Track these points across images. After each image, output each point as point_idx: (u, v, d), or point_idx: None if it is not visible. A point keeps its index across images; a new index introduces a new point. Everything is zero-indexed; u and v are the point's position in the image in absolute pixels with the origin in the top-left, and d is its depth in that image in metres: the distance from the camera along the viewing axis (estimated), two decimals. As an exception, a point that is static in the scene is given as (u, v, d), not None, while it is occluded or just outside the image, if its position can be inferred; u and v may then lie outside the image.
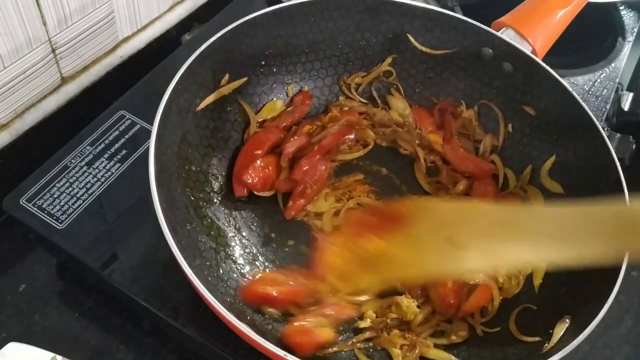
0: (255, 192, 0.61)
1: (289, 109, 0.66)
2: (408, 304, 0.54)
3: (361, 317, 0.55)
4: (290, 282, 0.53)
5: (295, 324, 0.52)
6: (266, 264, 0.58)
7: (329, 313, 0.52)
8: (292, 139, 0.63)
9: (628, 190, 0.54)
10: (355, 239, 0.45)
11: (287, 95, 0.67)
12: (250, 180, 0.60)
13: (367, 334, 0.54)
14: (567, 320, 0.50)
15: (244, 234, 0.59)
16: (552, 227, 0.41)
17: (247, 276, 0.56)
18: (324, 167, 0.62)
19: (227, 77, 0.61)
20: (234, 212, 0.60)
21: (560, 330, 0.50)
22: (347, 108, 0.69)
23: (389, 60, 0.69)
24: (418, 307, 0.55)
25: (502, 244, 0.41)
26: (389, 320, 0.54)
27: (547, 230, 0.41)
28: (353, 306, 0.55)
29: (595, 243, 0.39)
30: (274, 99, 0.67)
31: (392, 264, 0.44)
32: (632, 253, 0.41)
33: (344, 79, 0.69)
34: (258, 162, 0.60)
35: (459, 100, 0.69)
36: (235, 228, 0.59)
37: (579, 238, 0.39)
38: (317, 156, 0.62)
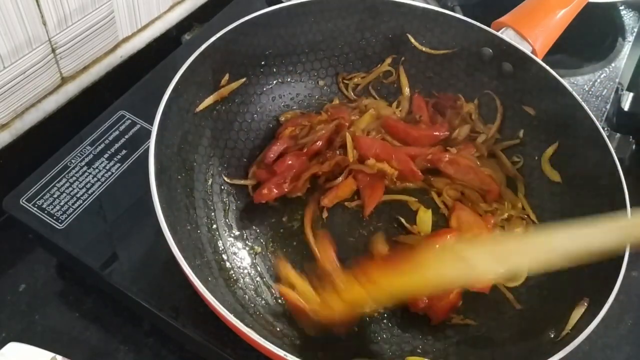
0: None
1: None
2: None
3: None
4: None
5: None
6: (265, 263, 0.58)
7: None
8: (274, 147, 0.62)
9: (628, 191, 0.54)
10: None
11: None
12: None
13: None
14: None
15: (243, 233, 0.59)
16: (556, 244, 0.45)
17: (247, 275, 0.56)
18: (306, 172, 0.61)
19: (227, 77, 0.61)
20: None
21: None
22: (337, 102, 0.68)
23: (388, 60, 0.69)
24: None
25: (508, 260, 0.47)
26: None
27: (550, 246, 0.45)
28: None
29: (591, 249, 0.43)
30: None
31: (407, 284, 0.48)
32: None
33: (344, 75, 0.69)
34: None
35: (456, 94, 0.69)
36: (234, 228, 0.59)
37: (577, 251, 0.43)
38: (304, 157, 0.62)
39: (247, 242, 0.59)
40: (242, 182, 0.61)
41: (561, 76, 0.61)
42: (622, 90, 0.82)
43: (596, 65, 0.84)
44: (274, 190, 0.59)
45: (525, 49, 0.64)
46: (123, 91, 0.66)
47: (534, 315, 0.55)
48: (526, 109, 0.65)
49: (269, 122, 0.66)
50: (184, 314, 0.52)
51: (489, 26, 0.66)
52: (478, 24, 0.65)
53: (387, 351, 0.54)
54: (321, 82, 0.69)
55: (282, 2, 0.65)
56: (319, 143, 0.62)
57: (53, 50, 0.61)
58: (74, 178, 0.59)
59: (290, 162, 0.61)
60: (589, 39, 0.87)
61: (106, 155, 0.61)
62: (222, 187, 0.61)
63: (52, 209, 0.56)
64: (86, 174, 0.59)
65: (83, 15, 0.62)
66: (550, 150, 0.63)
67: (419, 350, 0.54)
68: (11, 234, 0.61)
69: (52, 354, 0.48)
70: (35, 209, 0.56)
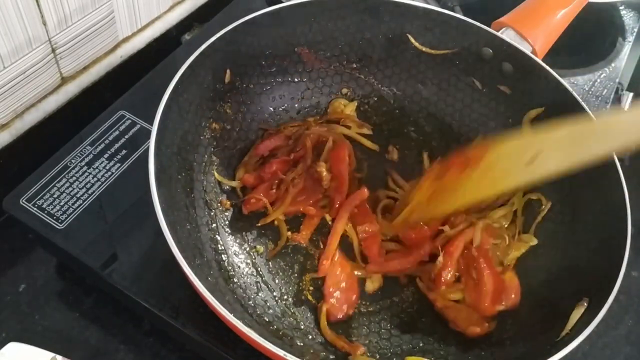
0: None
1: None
2: None
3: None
4: None
5: None
6: (266, 263, 0.58)
7: None
8: (267, 141, 0.63)
9: (628, 191, 0.54)
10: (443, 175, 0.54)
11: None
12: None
13: None
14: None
15: (244, 233, 0.59)
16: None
17: (247, 275, 0.56)
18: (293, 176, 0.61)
19: (229, 72, 0.61)
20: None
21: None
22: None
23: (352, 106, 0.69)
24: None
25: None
26: None
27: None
28: None
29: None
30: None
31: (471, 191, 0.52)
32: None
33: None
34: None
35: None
36: (235, 227, 0.59)
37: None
38: (290, 163, 0.62)
39: (247, 241, 0.59)
40: (229, 182, 0.61)
41: (561, 76, 0.61)
42: (622, 90, 0.82)
43: (596, 65, 0.84)
44: (263, 198, 0.59)
45: (525, 49, 0.63)
46: (123, 91, 0.66)
47: (534, 315, 0.55)
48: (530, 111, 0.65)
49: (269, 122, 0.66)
50: (184, 314, 0.52)
51: (489, 26, 0.66)
52: (478, 24, 0.65)
53: (387, 351, 0.54)
54: (321, 83, 0.69)
55: (282, 2, 0.65)
56: (304, 150, 0.63)
57: (53, 50, 0.61)
58: (74, 178, 0.59)
59: (275, 168, 0.61)
60: (589, 39, 0.87)
61: (106, 155, 0.61)
62: (223, 186, 0.61)
63: (52, 209, 0.56)
64: (86, 174, 0.59)
65: (83, 15, 0.62)
66: (533, 113, 0.63)
67: (419, 350, 0.54)
68: (11, 234, 0.61)
69: (52, 354, 0.48)
70: (35, 209, 0.56)
